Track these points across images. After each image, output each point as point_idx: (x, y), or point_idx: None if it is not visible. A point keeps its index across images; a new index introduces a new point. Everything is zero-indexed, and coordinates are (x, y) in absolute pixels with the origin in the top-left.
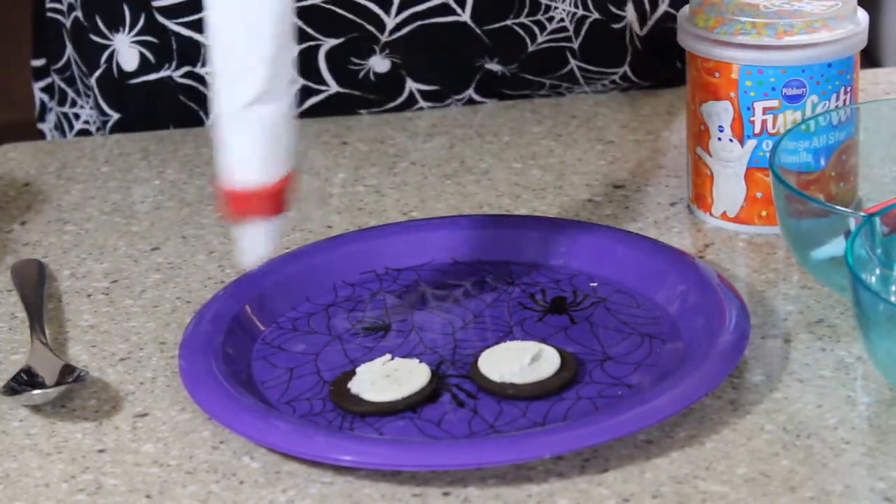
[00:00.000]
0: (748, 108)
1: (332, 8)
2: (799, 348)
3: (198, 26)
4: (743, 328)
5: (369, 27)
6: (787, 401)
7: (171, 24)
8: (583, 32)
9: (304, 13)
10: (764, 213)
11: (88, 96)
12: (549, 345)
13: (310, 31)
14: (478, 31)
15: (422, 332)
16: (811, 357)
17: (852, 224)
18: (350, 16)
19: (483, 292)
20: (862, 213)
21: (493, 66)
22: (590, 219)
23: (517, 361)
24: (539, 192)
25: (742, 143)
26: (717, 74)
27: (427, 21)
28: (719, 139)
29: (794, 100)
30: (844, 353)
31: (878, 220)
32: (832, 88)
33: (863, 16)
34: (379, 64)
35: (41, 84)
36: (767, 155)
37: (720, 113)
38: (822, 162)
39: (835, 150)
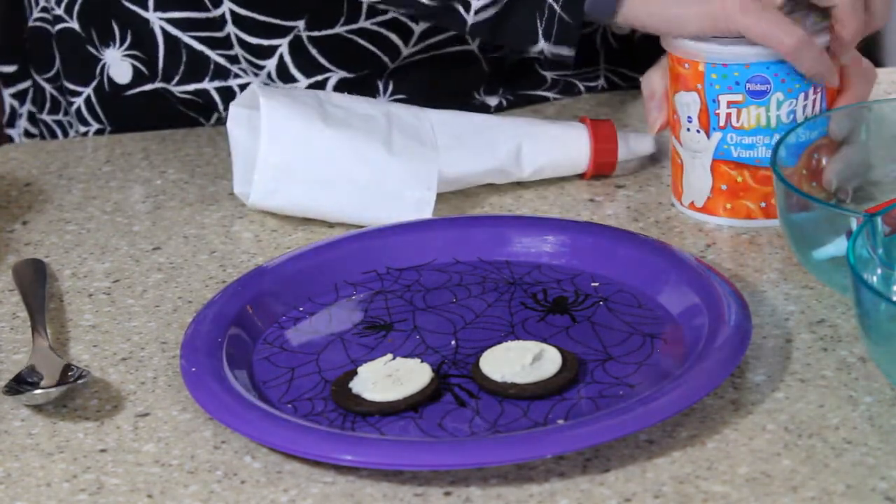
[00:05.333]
0: (714, 101)
1: (353, 38)
2: (800, 348)
3: (210, 42)
4: (744, 328)
5: (384, 57)
6: (788, 400)
7: (183, 37)
8: None
9: (323, 42)
10: (728, 206)
11: (74, 107)
12: (551, 344)
13: (324, 61)
14: (481, 58)
15: (423, 331)
16: (813, 357)
17: (854, 224)
18: (370, 46)
19: (484, 292)
20: (863, 213)
21: (490, 101)
22: (591, 219)
23: (518, 361)
24: (541, 191)
25: (708, 134)
26: (686, 66)
27: (440, 52)
28: (688, 129)
29: (757, 95)
30: (846, 353)
31: (879, 219)
32: (799, 87)
33: None
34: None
35: (12, 90)
36: (732, 148)
37: (689, 104)
38: (793, 160)
39: (805, 148)
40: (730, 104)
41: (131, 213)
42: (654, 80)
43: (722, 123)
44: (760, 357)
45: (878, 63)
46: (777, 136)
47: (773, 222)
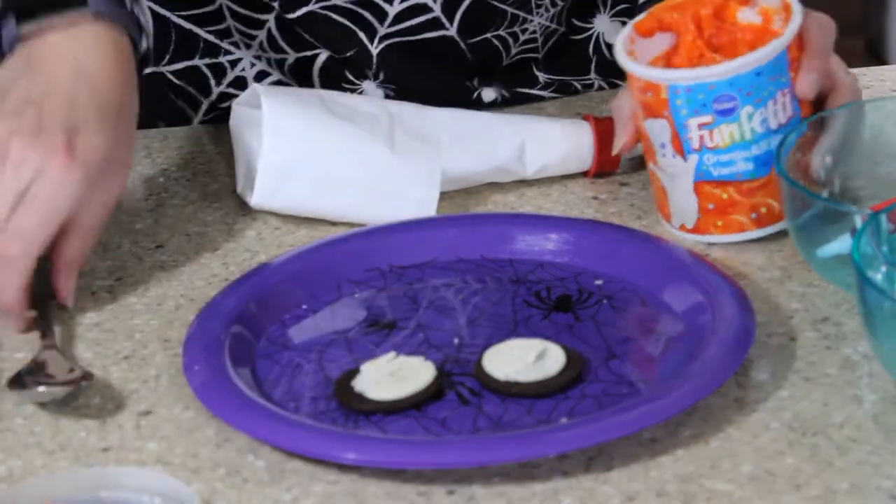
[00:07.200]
0: (683, 126)
1: (328, 13)
2: (804, 346)
3: (199, 19)
4: (748, 326)
5: (361, 33)
6: (792, 399)
7: (172, 17)
8: (549, 44)
9: (302, 20)
10: (719, 223)
11: None
12: (554, 343)
13: (308, 38)
14: (462, 45)
15: (426, 329)
16: (817, 355)
17: (858, 221)
18: (344, 21)
19: (488, 290)
20: (868, 211)
21: (487, 93)
22: (595, 216)
23: (522, 359)
24: (544, 189)
25: (684, 158)
26: (649, 94)
27: (417, 37)
28: (664, 155)
29: (726, 113)
30: (850, 351)
31: (884, 217)
32: (767, 95)
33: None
34: (372, 91)
35: None
36: (711, 168)
37: (660, 130)
38: (768, 168)
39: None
40: (700, 126)
41: (133, 211)
42: (620, 101)
43: (696, 146)
44: (764, 355)
45: (882, 61)
46: (755, 148)
47: (767, 231)
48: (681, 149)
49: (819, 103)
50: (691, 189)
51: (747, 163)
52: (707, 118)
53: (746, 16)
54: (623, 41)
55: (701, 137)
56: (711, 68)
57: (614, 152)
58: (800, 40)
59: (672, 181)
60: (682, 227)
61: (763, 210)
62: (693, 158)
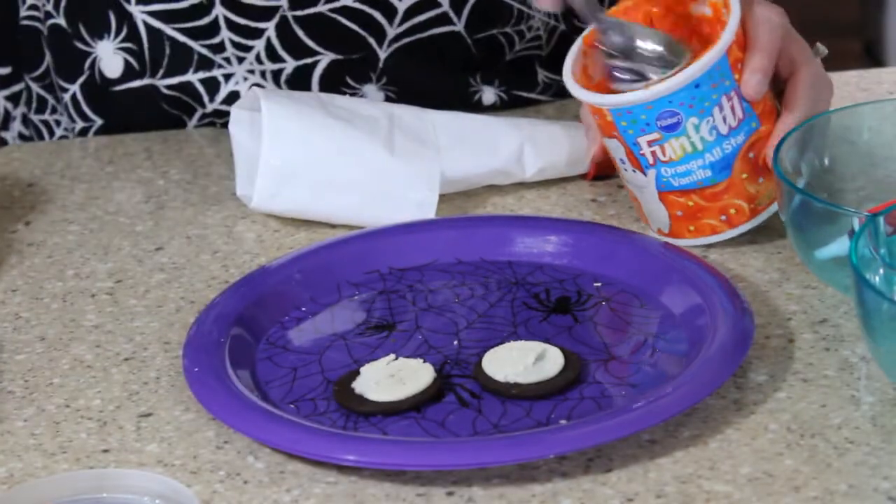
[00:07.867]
0: (635, 144)
1: (337, 17)
2: (803, 348)
3: (193, 33)
4: (747, 328)
5: (370, 38)
6: (790, 400)
7: (166, 29)
8: (553, 42)
9: (308, 22)
10: (692, 228)
11: (63, 102)
12: (553, 345)
13: (311, 43)
14: (468, 40)
15: (426, 331)
16: (815, 357)
17: (856, 223)
18: (354, 26)
19: (487, 292)
20: (866, 213)
21: (487, 93)
22: (594, 219)
23: (521, 361)
24: (543, 191)
25: (644, 173)
26: (597, 116)
27: (425, 34)
28: (626, 170)
29: (672, 129)
30: (848, 353)
31: (881, 219)
32: (710, 104)
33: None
34: (373, 94)
35: (6, 92)
36: (670, 180)
37: (615, 148)
38: (727, 171)
39: (737, 155)
40: (650, 143)
41: (134, 214)
42: (584, 112)
43: (651, 161)
44: (763, 357)
45: (879, 63)
46: (709, 156)
47: (739, 230)
48: (638, 165)
49: (784, 84)
50: (657, 199)
51: (704, 170)
52: (654, 136)
53: (699, 9)
54: (571, 60)
55: (653, 153)
56: (648, 90)
57: (586, 161)
58: (743, 39)
59: (640, 192)
60: (659, 232)
61: (732, 211)
62: (652, 172)
